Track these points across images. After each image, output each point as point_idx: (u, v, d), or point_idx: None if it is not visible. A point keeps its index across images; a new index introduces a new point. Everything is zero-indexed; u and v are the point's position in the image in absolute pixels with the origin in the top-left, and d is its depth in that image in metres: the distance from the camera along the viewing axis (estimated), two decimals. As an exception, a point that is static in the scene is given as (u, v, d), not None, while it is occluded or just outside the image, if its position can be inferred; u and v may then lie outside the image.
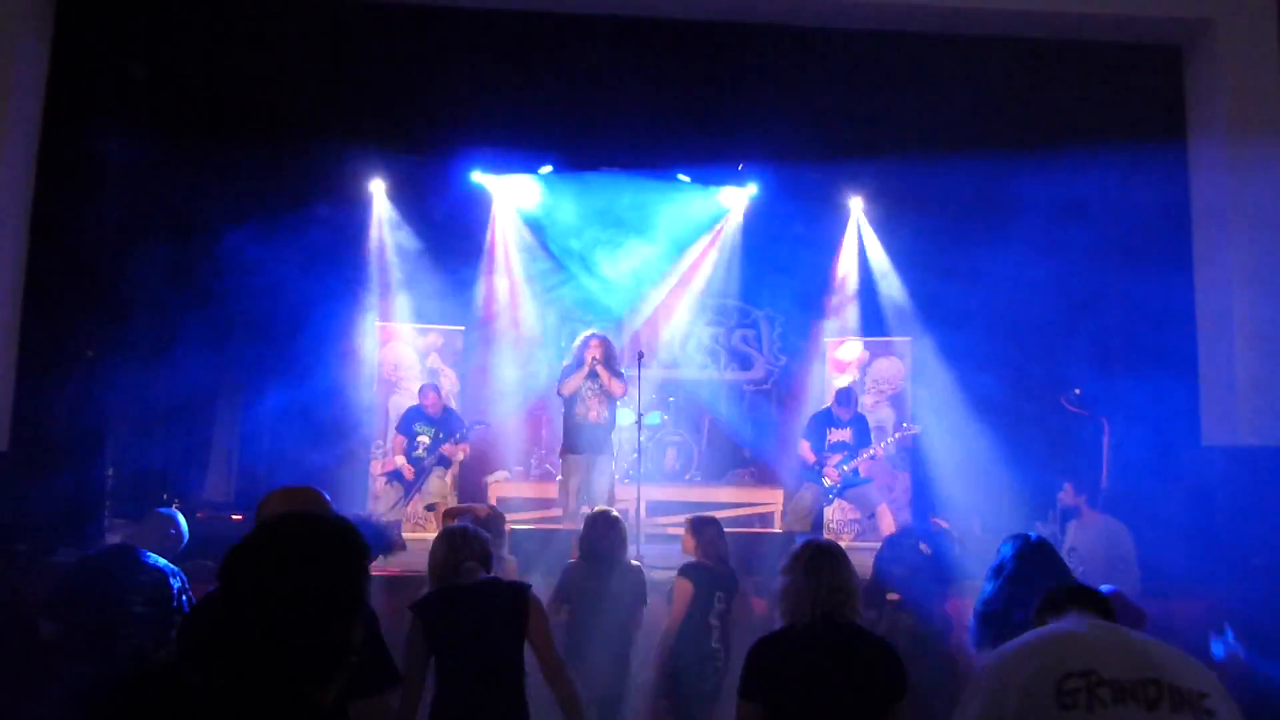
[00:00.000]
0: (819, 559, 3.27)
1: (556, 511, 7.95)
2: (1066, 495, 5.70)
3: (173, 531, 4.74)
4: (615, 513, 5.22)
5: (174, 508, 4.96)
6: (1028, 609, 2.51)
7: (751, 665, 3.13)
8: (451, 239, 10.29)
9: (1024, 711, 1.99)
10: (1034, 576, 3.15)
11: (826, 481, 8.22)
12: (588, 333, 7.84)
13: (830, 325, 10.49)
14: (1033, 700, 1.99)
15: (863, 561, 7.75)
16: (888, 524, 8.25)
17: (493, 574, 3.84)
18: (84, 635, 4.29)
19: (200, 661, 1.44)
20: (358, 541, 1.54)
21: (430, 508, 8.38)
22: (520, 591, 3.72)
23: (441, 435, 8.38)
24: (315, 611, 1.43)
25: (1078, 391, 7.83)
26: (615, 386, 7.50)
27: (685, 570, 5.10)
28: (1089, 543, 5.56)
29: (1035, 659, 2.08)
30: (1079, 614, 2.25)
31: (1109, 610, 2.30)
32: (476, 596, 3.67)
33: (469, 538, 3.83)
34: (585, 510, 6.11)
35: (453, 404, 9.53)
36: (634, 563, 5.27)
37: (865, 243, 10.50)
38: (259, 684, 1.39)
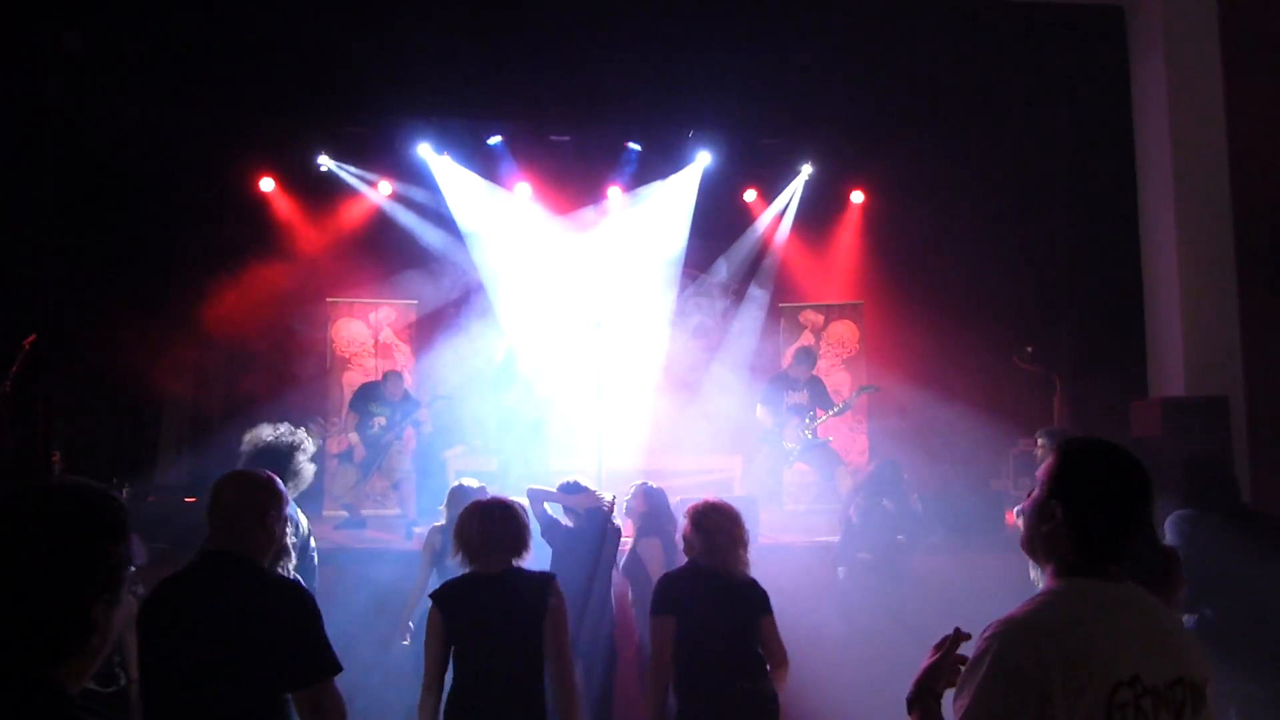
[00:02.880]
0: (710, 515, 3.98)
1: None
2: (1044, 449, 5.79)
3: None
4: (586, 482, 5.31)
5: (123, 491, 4.83)
6: None
7: (660, 590, 3.95)
8: (400, 212, 10.15)
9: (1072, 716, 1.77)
10: None
11: (786, 445, 8.28)
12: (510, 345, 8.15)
13: (784, 290, 10.54)
14: (1082, 707, 1.77)
15: (813, 525, 7.88)
16: (846, 486, 8.34)
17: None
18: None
19: None
20: (99, 512, 1.48)
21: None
22: (545, 581, 3.59)
23: (399, 417, 8.28)
24: (36, 581, 1.40)
25: (1029, 350, 7.96)
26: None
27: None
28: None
29: (1082, 649, 1.81)
30: (1119, 576, 1.94)
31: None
32: (499, 586, 3.54)
33: (508, 516, 3.65)
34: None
35: (409, 380, 9.42)
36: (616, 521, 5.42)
37: (817, 207, 10.54)
38: None
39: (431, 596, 3.58)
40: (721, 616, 3.82)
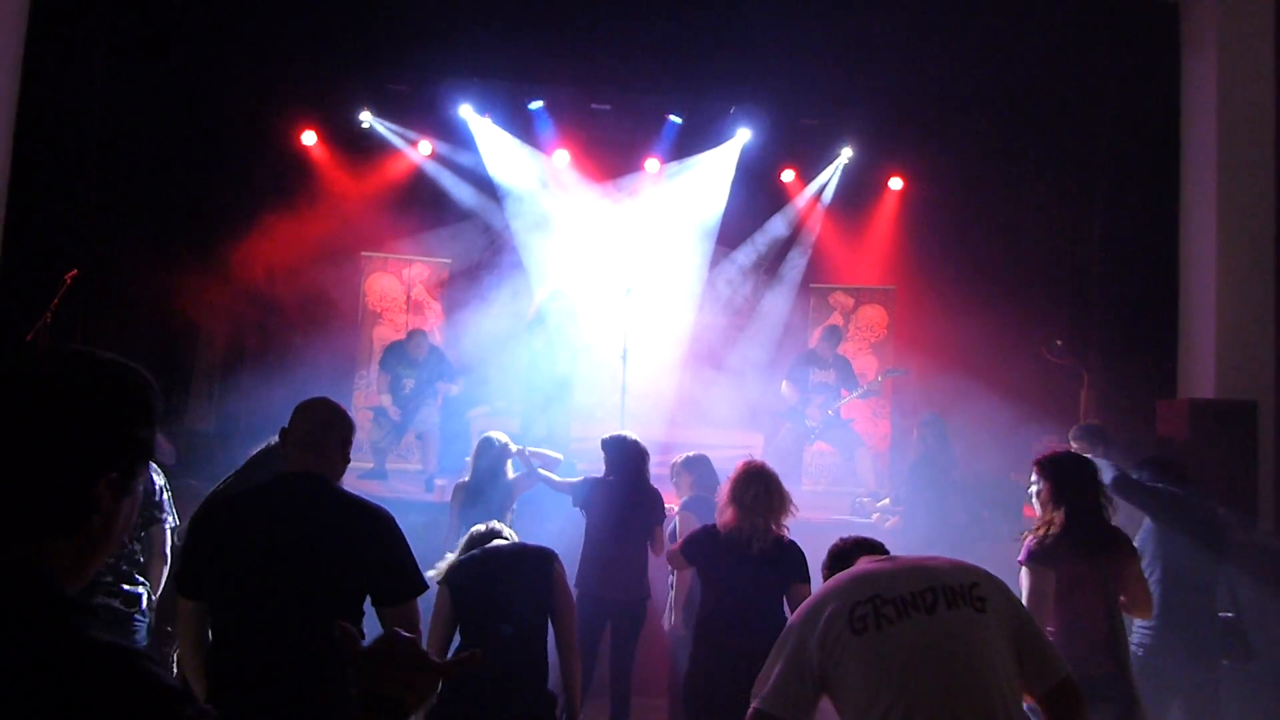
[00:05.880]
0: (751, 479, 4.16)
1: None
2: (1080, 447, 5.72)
3: None
4: (634, 436, 5.42)
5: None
6: None
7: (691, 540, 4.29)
8: (438, 171, 10.22)
9: (826, 649, 2.29)
10: None
11: (808, 422, 8.30)
12: (548, 291, 8.16)
13: (816, 271, 10.52)
14: (832, 636, 2.29)
15: (831, 504, 7.88)
16: (865, 468, 8.36)
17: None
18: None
19: None
20: (127, 386, 1.30)
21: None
22: (547, 557, 3.65)
23: (426, 376, 8.42)
24: (36, 441, 1.21)
25: (1059, 343, 7.91)
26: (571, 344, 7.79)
27: (689, 504, 5.29)
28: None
29: (829, 604, 2.36)
30: (864, 558, 2.61)
31: (884, 550, 2.72)
32: (504, 563, 3.62)
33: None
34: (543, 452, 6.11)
35: (438, 338, 9.51)
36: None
37: (854, 191, 10.49)
38: None
39: (443, 580, 3.60)
40: (754, 580, 4.05)
